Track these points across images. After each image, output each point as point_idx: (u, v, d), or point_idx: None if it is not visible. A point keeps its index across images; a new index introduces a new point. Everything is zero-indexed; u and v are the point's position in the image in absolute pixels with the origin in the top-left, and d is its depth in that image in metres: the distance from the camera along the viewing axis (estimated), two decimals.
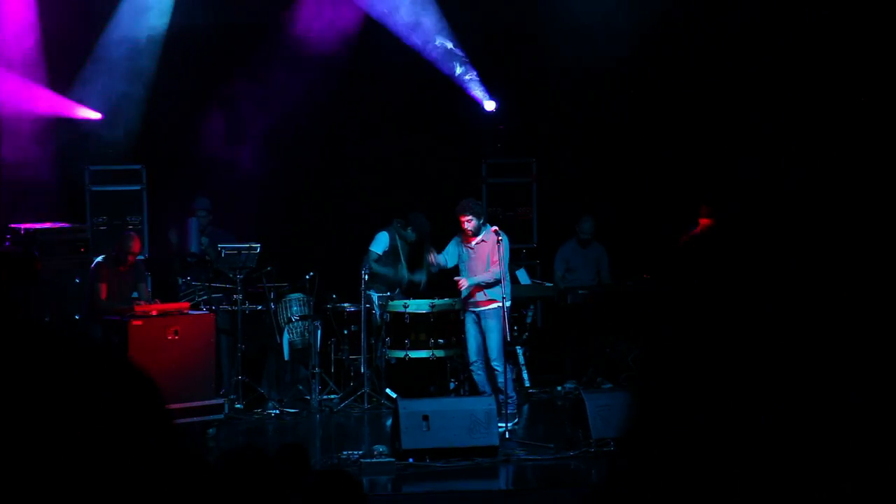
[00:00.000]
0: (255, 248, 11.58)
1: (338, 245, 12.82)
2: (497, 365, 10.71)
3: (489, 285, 10.76)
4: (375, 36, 12.98)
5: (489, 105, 13.28)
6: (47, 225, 10.43)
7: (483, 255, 10.86)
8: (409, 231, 12.22)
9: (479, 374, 10.99)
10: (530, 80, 13.37)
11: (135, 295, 10.89)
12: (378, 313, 11.91)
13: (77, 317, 10.24)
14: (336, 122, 13.36)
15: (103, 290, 10.74)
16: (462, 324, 11.41)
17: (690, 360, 1.66)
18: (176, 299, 11.41)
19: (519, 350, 11.90)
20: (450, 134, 13.38)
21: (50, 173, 12.36)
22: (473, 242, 10.92)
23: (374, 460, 9.26)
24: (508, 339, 10.69)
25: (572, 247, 12.86)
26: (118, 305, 10.64)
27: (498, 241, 10.69)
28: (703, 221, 11.06)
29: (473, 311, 10.90)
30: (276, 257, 11.94)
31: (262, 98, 12.85)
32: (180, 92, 12.65)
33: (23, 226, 10.27)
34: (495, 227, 10.89)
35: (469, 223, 10.82)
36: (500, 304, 10.63)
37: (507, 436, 10.10)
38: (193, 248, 11.59)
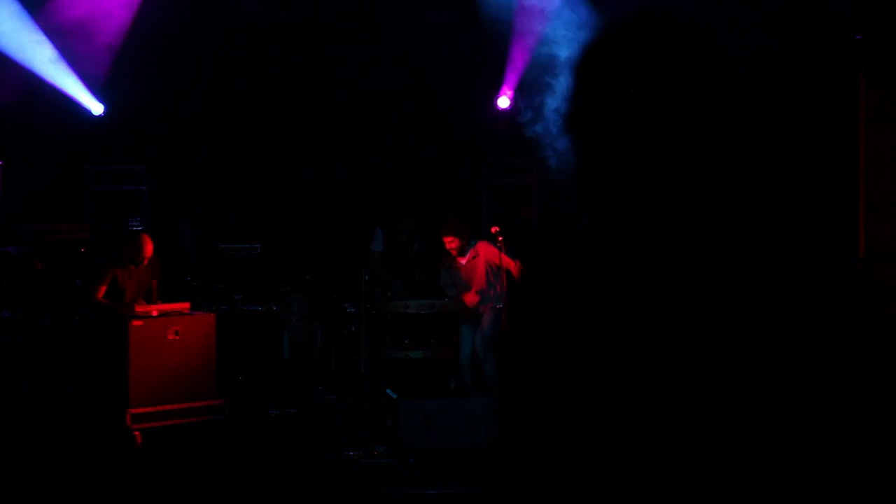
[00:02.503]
0: (255, 249, 11.59)
1: (338, 245, 12.82)
2: (481, 355, 10.73)
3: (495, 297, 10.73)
4: (376, 38, 12.98)
5: (503, 102, 13.18)
6: (47, 225, 10.42)
7: (482, 269, 10.79)
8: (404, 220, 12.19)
9: (468, 378, 11.04)
10: (530, 81, 13.36)
11: None
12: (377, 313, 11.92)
13: (77, 317, 10.23)
14: (337, 122, 13.36)
15: (101, 290, 10.63)
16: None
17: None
18: (176, 300, 11.41)
19: None
20: (450, 134, 13.37)
21: (50, 173, 12.37)
22: (466, 261, 10.86)
23: (374, 460, 9.26)
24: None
25: None
26: (112, 303, 10.57)
27: (499, 242, 10.64)
28: None
29: (472, 318, 10.89)
30: (276, 257, 11.94)
31: (263, 98, 12.84)
32: (182, 92, 12.65)
33: (23, 226, 10.27)
34: (495, 227, 10.86)
35: (452, 244, 10.74)
36: (500, 307, 10.61)
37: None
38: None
